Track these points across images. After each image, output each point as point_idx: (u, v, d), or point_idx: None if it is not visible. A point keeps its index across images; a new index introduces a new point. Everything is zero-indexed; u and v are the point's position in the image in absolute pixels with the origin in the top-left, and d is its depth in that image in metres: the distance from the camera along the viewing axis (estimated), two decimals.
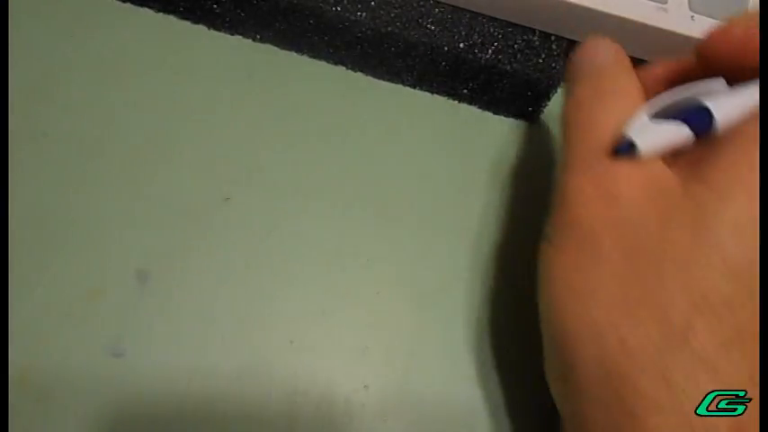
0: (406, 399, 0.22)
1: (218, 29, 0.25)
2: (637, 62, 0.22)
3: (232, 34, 0.25)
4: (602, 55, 0.21)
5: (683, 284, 0.17)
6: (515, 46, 0.26)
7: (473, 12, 0.26)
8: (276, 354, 0.22)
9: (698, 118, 0.19)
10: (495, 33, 0.26)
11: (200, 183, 0.23)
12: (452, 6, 0.26)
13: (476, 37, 0.25)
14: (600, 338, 0.17)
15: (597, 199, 0.18)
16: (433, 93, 0.27)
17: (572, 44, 0.26)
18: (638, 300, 0.17)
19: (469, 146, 0.26)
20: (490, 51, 0.25)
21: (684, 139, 0.19)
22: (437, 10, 0.25)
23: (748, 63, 0.20)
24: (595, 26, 0.25)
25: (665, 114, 0.19)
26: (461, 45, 0.25)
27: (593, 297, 0.18)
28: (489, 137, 0.27)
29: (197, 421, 0.21)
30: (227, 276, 0.22)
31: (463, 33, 0.25)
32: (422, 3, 0.25)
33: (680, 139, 0.19)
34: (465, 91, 0.26)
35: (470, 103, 0.27)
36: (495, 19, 0.26)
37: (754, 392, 0.16)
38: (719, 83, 0.20)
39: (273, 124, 0.25)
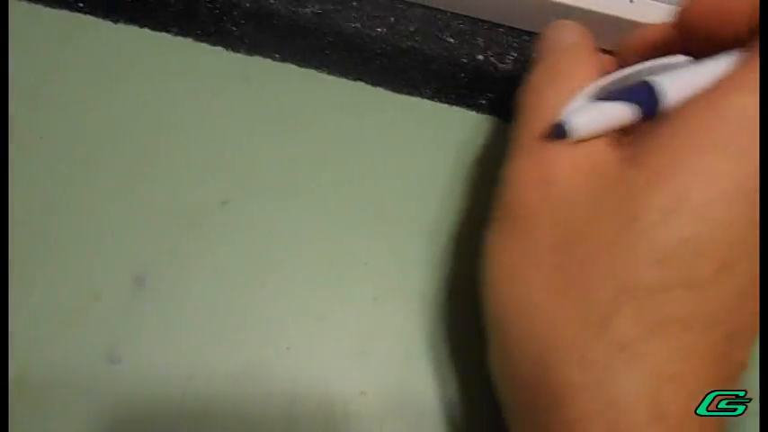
0: (403, 404, 0.22)
1: (236, 50, 0.25)
2: None
3: (251, 55, 0.25)
4: (562, 37, 0.21)
5: (608, 270, 0.17)
6: (534, 55, 0.26)
7: (491, 22, 0.26)
8: (273, 359, 0.22)
9: (641, 96, 0.18)
10: (513, 43, 0.26)
11: (197, 186, 0.23)
12: (471, 18, 0.26)
13: (494, 47, 0.26)
14: (528, 321, 0.17)
15: (535, 182, 0.18)
16: (451, 104, 0.27)
17: None
18: (564, 284, 0.17)
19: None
20: (509, 61, 0.25)
21: (624, 119, 0.18)
22: (455, 22, 0.26)
23: (730, 35, 0.19)
24: (614, 32, 0.25)
25: (613, 94, 0.19)
26: (480, 57, 0.25)
27: (525, 280, 0.18)
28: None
29: (194, 427, 0.21)
30: (224, 281, 0.22)
31: (482, 45, 0.26)
32: (440, 16, 0.26)
33: (619, 119, 0.18)
34: (484, 102, 0.26)
35: (490, 114, 0.27)
36: (513, 29, 0.26)
37: (682, 386, 0.16)
38: (682, 59, 0.19)
39: (272, 127, 0.25)
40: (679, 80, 0.18)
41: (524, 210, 0.18)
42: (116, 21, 0.25)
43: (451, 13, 0.26)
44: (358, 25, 0.25)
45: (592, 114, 0.18)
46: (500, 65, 0.26)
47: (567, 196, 0.18)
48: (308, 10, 0.25)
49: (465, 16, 0.26)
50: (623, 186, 0.17)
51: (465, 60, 0.25)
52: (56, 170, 0.23)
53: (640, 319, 0.16)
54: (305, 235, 0.24)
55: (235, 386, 0.21)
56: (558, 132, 0.18)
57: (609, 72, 0.20)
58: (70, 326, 0.21)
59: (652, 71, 0.19)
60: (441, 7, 0.26)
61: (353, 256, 0.24)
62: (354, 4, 0.25)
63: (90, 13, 0.25)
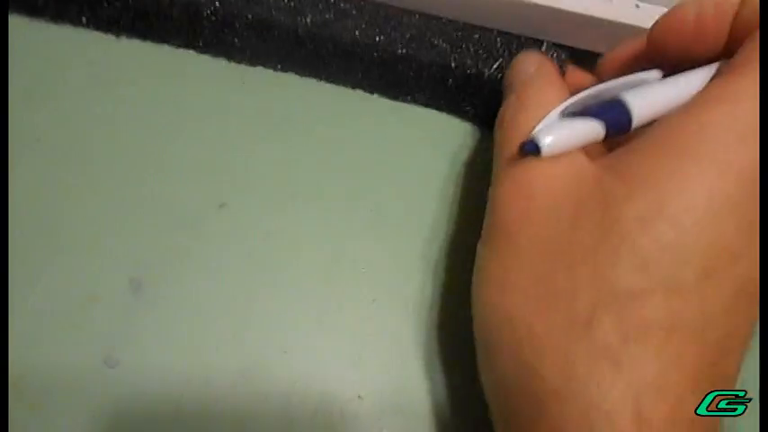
0: (400, 408, 0.22)
1: (238, 61, 0.26)
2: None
3: (253, 66, 0.26)
4: (525, 69, 0.22)
5: (589, 277, 0.17)
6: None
7: (485, 28, 0.26)
8: (270, 363, 0.22)
9: (611, 112, 0.19)
10: (505, 48, 0.26)
11: (195, 188, 0.24)
12: (467, 24, 0.26)
13: (483, 52, 0.25)
14: (512, 327, 0.18)
15: (517, 198, 0.19)
16: (442, 111, 0.27)
17: (578, 54, 0.26)
18: (548, 290, 0.17)
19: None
20: (494, 67, 0.25)
21: (594, 134, 0.19)
22: (450, 28, 0.25)
23: (702, 50, 0.19)
24: (620, 38, 0.24)
25: (584, 110, 0.19)
26: (469, 62, 0.25)
27: (510, 289, 0.18)
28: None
29: (191, 430, 0.21)
30: (222, 284, 0.22)
31: (471, 50, 0.25)
32: (435, 22, 0.25)
33: (588, 134, 0.19)
34: (471, 107, 0.26)
35: (480, 118, 0.27)
36: (507, 34, 0.26)
37: (665, 392, 0.16)
38: (654, 74, 0.20)
39: (270, 130, 0.25)
40: (650, 95, 0.19)
41: (509, 226, 0.19)
42: (118, 35, 0.25)
43: (447, 19, 0.26)
44: (356, 34, 0.25)
45: (562, 130, 0.19)
46: (487, 70, 0.25)
47: (547, 209, 0.18)
48: (307, 20, 0.25)
49: (461, 22, 0.26)
50: (602, 196, 0.17)
51: (455, 66, 0.25)
52: (52, 172, 0.23)
53: (622, 324, 0.16)
54: (303, 238, 0.24)
55: (232, 389, 0.21)
56: (530, 148, 0.19)
57: (582, 89, 0.20)
58: (68, 328, 0.21)
59: (623, 87, 0.19)
60: (437, 14, 0.26)
61: (351, 260, 0.23)
62: (354, 12, 0.25)
63: (93, 29, 0.25)
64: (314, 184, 0.24)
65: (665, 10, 0.24)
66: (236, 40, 0.25)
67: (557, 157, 0.19)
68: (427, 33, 0.25)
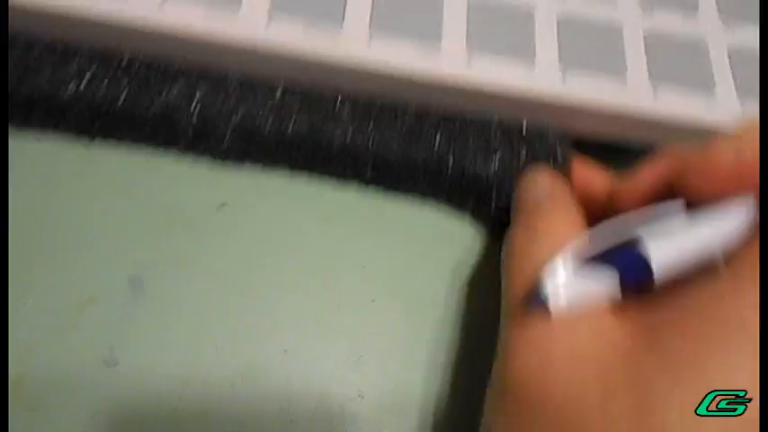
0: (401, 408, 0.22)
1: (222, 159, 0.24)
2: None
3: (238, 163, 0.24)
4: (535, 191, 0.21)
5: None
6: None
7: (483, 120, 0.24)
8: (270, 363, 0.22)
9: (630, 267, 0.17)
10: (503, 142, 0.23)
11: (194, 188, 0.24)
12: (462, 118, 0.24)
13: (479, 148, 0.23)
14: None
15: (531, 356, 0.17)
16: (439, 202, 0.25)
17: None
18: None
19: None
20: (495, 162, 0.23)
21: (613, 291, 0.17)
22: (445, 123, 0.24)
23: (741, 192, 0.17)
24: (637, 128, 0.24)
25: (599, 256, 0.17)
26: (466, 158, 0.23)
27: None
28: None
29: (190, 431, 0.21)
30: (221, 283, 0.22)
31: (469, 145, 0.23)
32: (430, 118, 0.24)
33: (606, 292, 0.17)
34: (472, 202, 0.25)
35: (472, 215, 0.25)
36: (503, 125, 0.24)
37: None
38: (677, 207, 0.18)
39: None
40: (673, 244, 0.17)
41: (524, 393, 0.17)
42: (92, 139, 0.24)
43: (443, 113, 0.24)
44: (348, 134, 0.23)
45: (579, 286, 0.17)
46: (486, 167, 0.23)
47: (567, 374, 0.16)
48: (296, 122, 0.23)
49: (458, 116, 0.24)
50: (637, 373, 0.16)
51: (452, 162, 0.23)
52: (49, 172, 0.23)
53: None
54: (302, 237, 0.24)
55: (231, 389, 0.21)
56: (538, 304, 0.17)
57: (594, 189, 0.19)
58: (68, 328, 0.21)
59: (643, 222, 0.18)
60: (432, 105, 0.24)
61: (351, 259, 0.23)
62: (345, 112, 0.23)
63: (63, 133, 0.24)
64: (312, 183, 0.24)
65: (682, 97, 0.23)
66: (219, 143, 0.23)
67: (577, 316, 0.17)
68: (423, 129, 0.23)
